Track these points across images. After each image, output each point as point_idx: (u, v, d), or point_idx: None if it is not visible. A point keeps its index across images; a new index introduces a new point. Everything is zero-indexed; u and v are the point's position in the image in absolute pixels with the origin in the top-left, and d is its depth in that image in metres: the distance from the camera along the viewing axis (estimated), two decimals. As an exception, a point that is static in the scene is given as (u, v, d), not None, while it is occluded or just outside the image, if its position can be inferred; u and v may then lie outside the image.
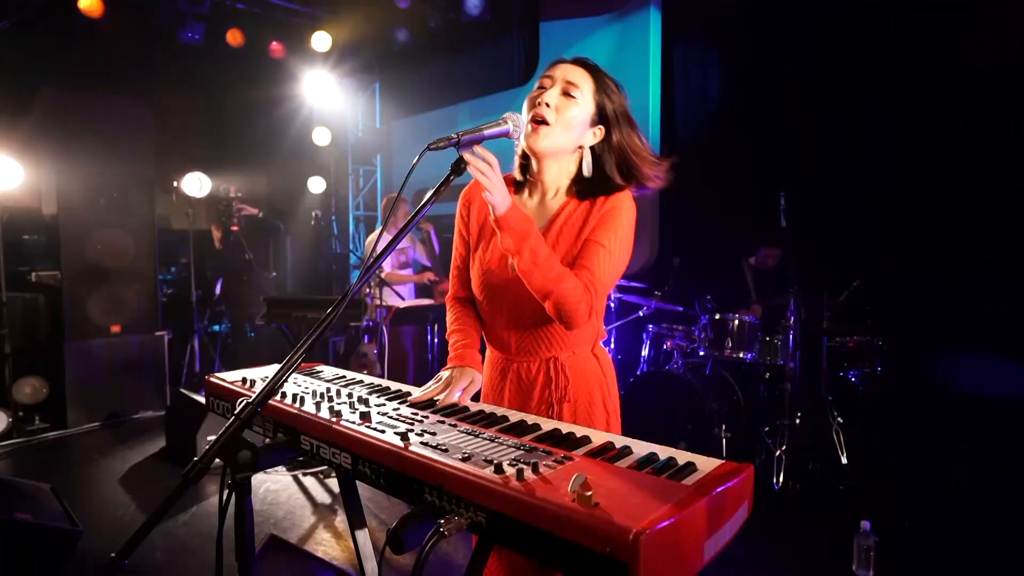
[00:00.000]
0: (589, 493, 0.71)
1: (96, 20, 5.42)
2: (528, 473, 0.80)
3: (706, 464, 0.86)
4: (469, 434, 0.99)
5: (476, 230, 1.47)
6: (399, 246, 4.57)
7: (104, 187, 4.84)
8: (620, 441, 0.97)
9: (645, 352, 4.27)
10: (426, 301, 4.27)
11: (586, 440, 0.98)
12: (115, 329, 4.88)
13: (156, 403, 5.00)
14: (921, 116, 4.09)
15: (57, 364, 4.67)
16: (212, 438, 0.91)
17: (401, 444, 0.93)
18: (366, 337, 4.22)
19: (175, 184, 5.62)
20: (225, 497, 0.99)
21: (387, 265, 4.36)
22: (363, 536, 1.31)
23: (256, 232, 5.87)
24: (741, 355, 3.67)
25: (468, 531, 0.81)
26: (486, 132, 1.19)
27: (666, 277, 4.44)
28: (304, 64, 6.76)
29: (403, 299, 3.93)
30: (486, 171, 1.13)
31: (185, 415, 3.97)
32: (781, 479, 3.32)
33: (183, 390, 4.23)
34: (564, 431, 1.03)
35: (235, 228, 6.04)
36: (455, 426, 1.04)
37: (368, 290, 3.91)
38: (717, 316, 3.74)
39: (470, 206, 1.50)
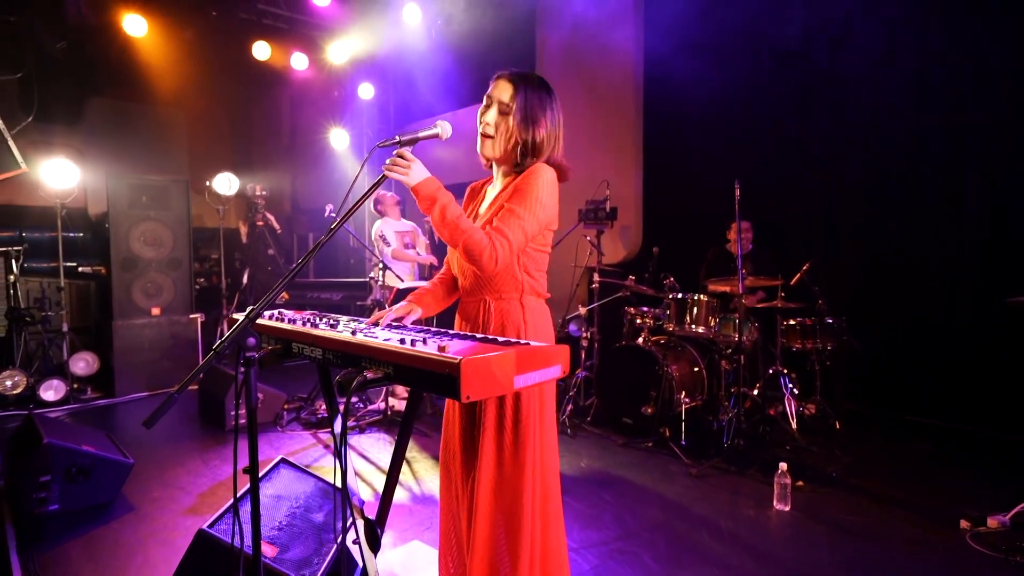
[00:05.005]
0: (446, 346, 1.21)
1: (137, 36, 6.05)
2: (419, 344, 1.30)
3: (538, 344, 1.35)
4: (396, 332, 1.50)
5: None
6: (405, 229, 5.11)
7: (147, 186, 5.49)
8: (493, 336, 1.47)
9: (625, 329, 4.74)
10: (424, 283, 4.80)
11: (471, 335, 1.48)
12: (156, 312, 5.53)
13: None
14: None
15: (106, 341, 5.34)
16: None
17: (351, 338, 1.44)
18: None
19: (207, 184, 6.27)
20: (242, 370, 1.51)
21: (394, 243, 4.88)
22: (338, 422, 1.83)
23: (273, 233, 6.51)
24: (701, 330, 4.11)
25: (384, 380, 1.32)
26: (420, 135, 1.69)
27: (647, 265, 4.90)
28: (323, 73, 7.37)
29: (403, 280, 4.47)
30: (394, 167, 1.59)
31: (215, 385, 4.58)
32: (730, 439, 3.75)
33: (213, 364, 4.84)
34: (461, 333, 1.53)
35: (260, 224, 6.67)
36: (390, 329, 1.55)
37: (373, 273, 4.46)
38: (680, 295, 4.19)
39: (468, 197, 1.97)
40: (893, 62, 4.38)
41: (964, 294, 4.15)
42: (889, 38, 4.39)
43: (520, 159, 1.75)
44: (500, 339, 1.44)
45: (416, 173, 1.62)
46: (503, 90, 1.75)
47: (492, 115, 1.75)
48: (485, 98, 1.79)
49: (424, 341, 1.32)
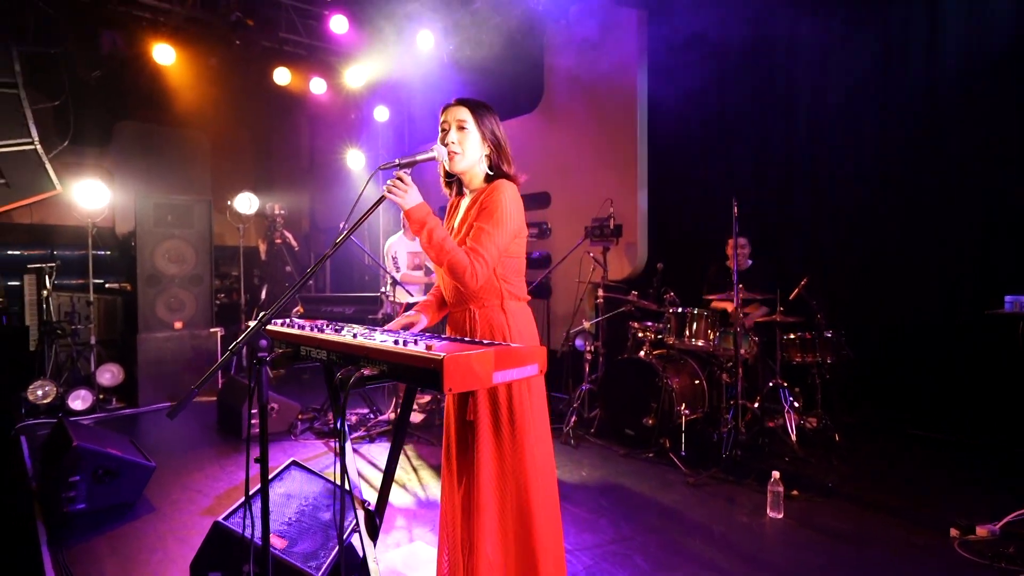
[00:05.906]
0: (432, 345, 1.37)
1: (166, 64, 6.37)
2: (410, 344, 1.46)
3: (517, 345, 1.50)
4: (392, 335, 1.66)
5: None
6: (415, 250, 5.29)
7: (172, 205, 5.77)
8: (478, 340, 1.62)
9: (628, 343, 4.85)
10: (432, 298, 4.99)
11: (459, 338, 1.63)
12: (178, 325, 5.77)
13: (210, 387, 5.82)
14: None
15: (131, 354, 5.58)
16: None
17: (351, 340, 1.60)
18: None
19: (229, 203, 6.55)
20: (255, 370, 1.67)
21: (404, 267, 5.08)
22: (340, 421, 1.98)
23: (291, 251, 6.76)
24: (700, 344, 4.20)
25: (379, 377, 1.47)
26: (418, 158, 1.86)
27: (652, 280, 5.03)
28: (340, 97, 7.67)
29: (412, 295, 4.64)
30: (393, 189, 1.77)
31: (233, 396, 4.77)
32: (728, 450, 3.83)
33: (233, 376, 5.04)
34: (451, 336, 1.68)
35: (278, 242, 6.92)
36: (387, 333, 1.71)
37: (384, 289, 4.64)
38: (679, 310, 4.30)
39: (447, 214, 2.14)
40: (885, 69, 4.49)
41: (964, 294, 4.19)
42: (881, 45, 4.50)
43: (487, 170, 1.95)
44: (484, 341, 1.59)
45: (411, 198, 1.79)
46: (457, 113, 1.95)
47: (454, 135, 1.93)
48: (441, 124, 1.97)
49: (415, 342, 1.47)
